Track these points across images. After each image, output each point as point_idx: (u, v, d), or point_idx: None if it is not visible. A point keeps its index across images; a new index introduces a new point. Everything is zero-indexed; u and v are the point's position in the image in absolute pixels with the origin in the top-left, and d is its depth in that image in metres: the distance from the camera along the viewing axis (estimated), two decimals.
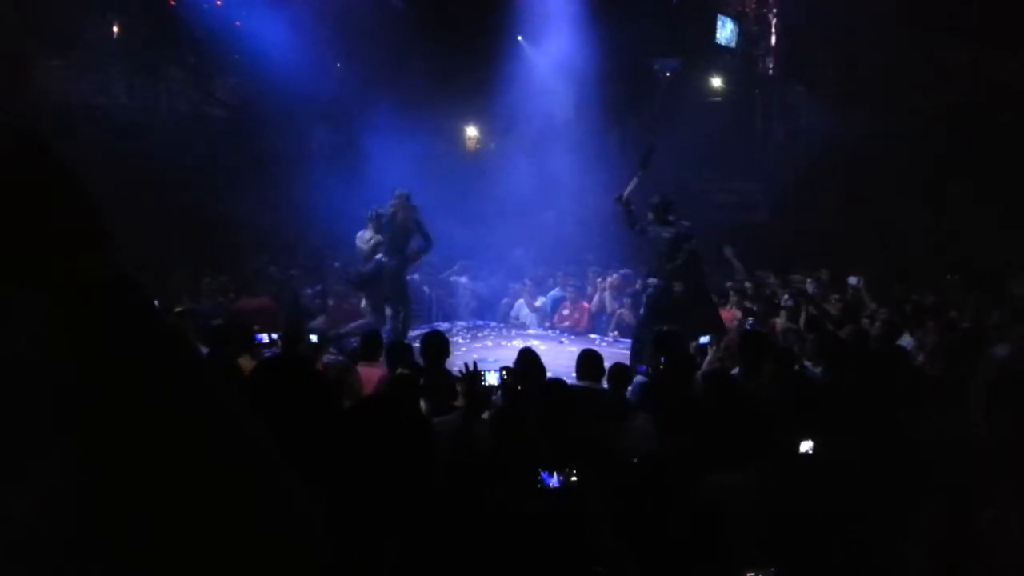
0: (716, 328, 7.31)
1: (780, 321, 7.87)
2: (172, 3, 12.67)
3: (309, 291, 10.05)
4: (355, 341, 7.51)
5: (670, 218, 8.12)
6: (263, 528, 0.71)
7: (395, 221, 8.78)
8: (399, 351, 5.32)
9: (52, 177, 0.68)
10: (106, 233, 0.70)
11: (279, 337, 6.33)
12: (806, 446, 3.56)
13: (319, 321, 9.01)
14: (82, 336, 0.67)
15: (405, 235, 8.80)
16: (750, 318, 8.01)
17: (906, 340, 6.81)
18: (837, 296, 8.85)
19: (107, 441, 0.67)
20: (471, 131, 15.46)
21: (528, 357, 5.07)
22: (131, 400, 0.67)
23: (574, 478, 2.67)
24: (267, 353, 5.88)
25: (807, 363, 5.84)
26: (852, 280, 9.02)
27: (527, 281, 10.94)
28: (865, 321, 7.64)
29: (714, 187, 14.27)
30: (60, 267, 0.67)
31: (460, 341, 8.78)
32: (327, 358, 6.17)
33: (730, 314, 8.60)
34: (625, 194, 8.23)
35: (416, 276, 10.52)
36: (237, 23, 12.43)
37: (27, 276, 0.66)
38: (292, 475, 0.75)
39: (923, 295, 8.71)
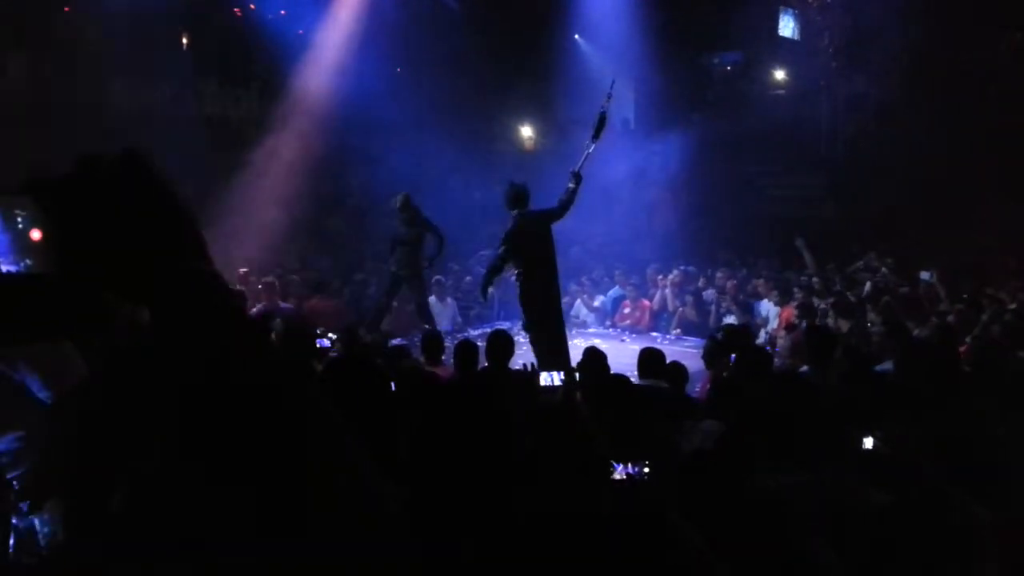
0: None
1: (843, 322, 7.65)
2: (238, 13, 13.05)
3: (374, 289, 10.23)
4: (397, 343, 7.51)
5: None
6: (349, 506, 0.75)
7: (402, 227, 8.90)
8: (467, 351, 5.38)
9: (154, 192, 0.74)
10: (203, 242, 0.75)
11: (337, 339, 6.47)
12: (869, 443, 3.49)
13: (385, 323, 9.16)
14: (186, 340, 0.72)
15: (417, 238, 8.95)
16: (803, 321, 7.70)
17: None
18: (907, 288, 8.62)
19: (205, 428, 0.72)
20: (527, 130, 15.51)
21: (593, 355, 5.09)
22: (229, 393, 0.72)
23: (647, 470, 2.69)
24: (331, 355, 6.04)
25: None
26: (924, 275, 8.76)
27: (584, 280, 10.92)
28: (934, 319, 7.42)
29: (776, 181, 14.02)
30: (164, 275, 0.72)
31: (522, 340, 8.81)
32: None
33: (788, 312, 8.45)
34: (579, 168, 7.56)
35: (469, 277, 10.63)
36: (300, 31, 12.74)
37: (136, 286, 0.71)
38: (370, 463, 0.79)
39: (998, 289, 8.41)
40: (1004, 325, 6.75)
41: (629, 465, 2.71)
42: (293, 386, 0.75)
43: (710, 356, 5.91)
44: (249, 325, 0.76)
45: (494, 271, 7.61)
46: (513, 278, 7.59)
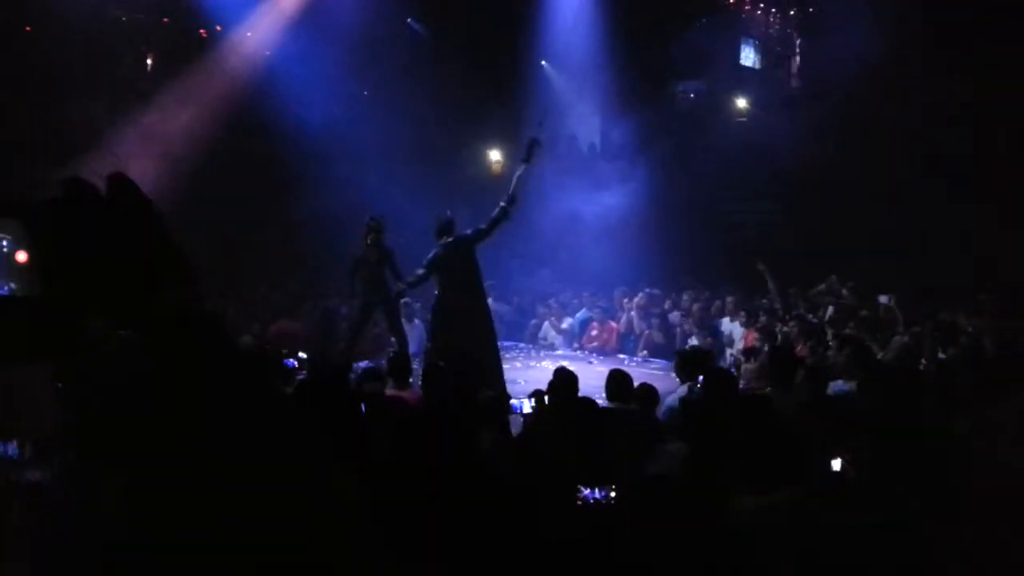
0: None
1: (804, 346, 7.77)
2: (203, 34, 13.00)
3: (345, 310, 10.16)
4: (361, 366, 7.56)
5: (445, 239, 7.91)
6: (316, 507, 0.76)
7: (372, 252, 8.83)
8: (436, 375, 5.36)
9: (141, 215, 0.74)
10: (192, 270, 0.76)
11: (306, 361, 6.44)
12: (837, 464, 3.55)
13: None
14: (176, 363, 0.72)
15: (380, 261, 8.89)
16: (765, 344, 7.84)
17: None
18: (865, 312, 8.79)
19: (191, 439, 0.73)
20: (495, 155, 15.60)
21: (563, 376, 5.10)
22: (215, 409, 0.73)
23: (613, 493, 2.70)
24: (298, 378, 5.99)
25: (839, 381, 5.79)
26: (883, 299, 8.95)
27: (552, 303, 10.98)
28: (896, 339, 7.58)
29: (738, 206, 14.26)
30: (156, 303, 0.72)
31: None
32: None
33: (751, 335, 8.57)
34: (512, 188, 7.94)
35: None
36: (267, 53, 12.72)
37: (121, 309, 0.72)
38: (342, 475, 0.81)
39: (953, 314, 8.61)
40: (960, 348, 6.91)
41: (595, 489, 2.72)
42: (278, 411, 0.76)
43: (681, 368, 5.97)
44: (235, 349, 0.77)
45: (410, 286, 8.36)
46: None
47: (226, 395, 0.73)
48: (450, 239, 7.90)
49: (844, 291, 9.67)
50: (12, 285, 8.89)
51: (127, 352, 0.74)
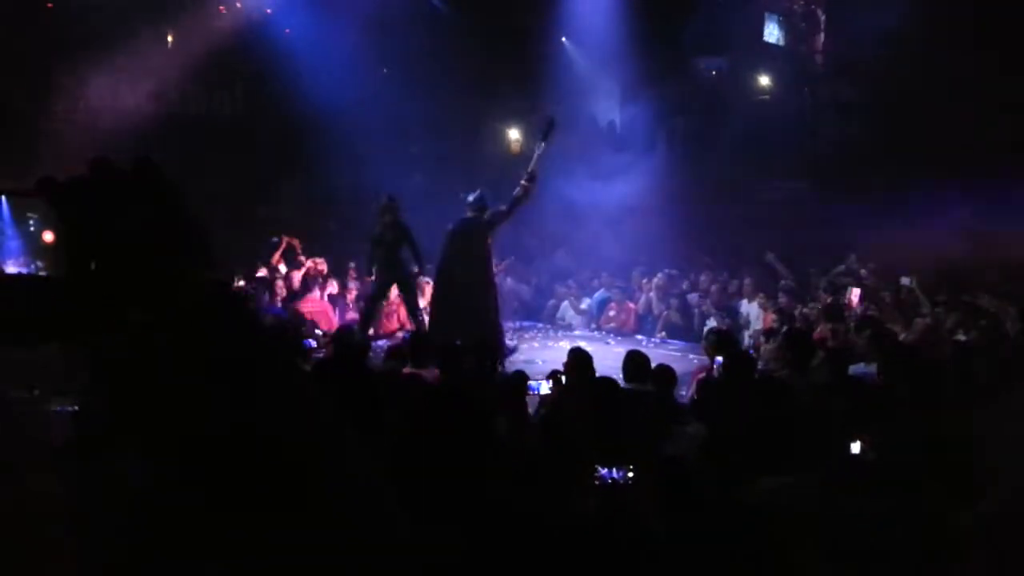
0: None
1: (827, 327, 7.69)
2: (222, 10, 12.99)
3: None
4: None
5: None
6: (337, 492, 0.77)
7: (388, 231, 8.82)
8: (452, 353, 5.38)
9: (166, 197, 0.75)
10: (212, 248, 0.76)
11: (325, 340, 6.49)
12: (856, 447, 3.53)
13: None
14: (199, 345, 0.73)
15: (396, 240, 8.91)
16: (784, 326, 7.78)
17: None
18: (888, 293, 8.70)
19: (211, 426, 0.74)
20: (514, 133, 15.53)
21: (579, 356, 5.10)
22: (237, 391, 0.73)
23: (631, 473, 2.71)
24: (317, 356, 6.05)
25: (860, 364, 5.75)
26: (905, 280, 8.84)
27: (571, 283, 10.95)
28: (919, 320, 7.50)
29: (761, 186, 14.11)
30: (181, 285, 0.73)
31: (507, 343, 8.84)
32: None
33: (769, 317, 8.51)
34: (531, 168, 8.09)
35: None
36: (287, 31, 12.70)
37: (147, 290, 0.72)
38: (360, 451, 0.82)
39: (975, 295, 8.50)
40: (980, 329, 6.83)
41: (613, 469, 2.73)
42: (302, 388, 0.78)
43: (713, 347, 5.96)
44: (261, 330, 0.78)
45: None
46: (500, 278, 7.95)
47: (248, 377, 0.74)
48: (471, 215, 8.06)
49: (863, 271, 9.57)
50: (39, 264, 9.02)
51: (150, 334, 0.74)
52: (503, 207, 8.07)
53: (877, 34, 11.72)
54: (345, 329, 7.11)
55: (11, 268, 9.48)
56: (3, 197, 10.41)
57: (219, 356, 0.73)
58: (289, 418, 0.75)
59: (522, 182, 8.04)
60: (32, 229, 10.11)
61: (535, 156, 8.14)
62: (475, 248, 8.02)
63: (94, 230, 0.72)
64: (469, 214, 8.09)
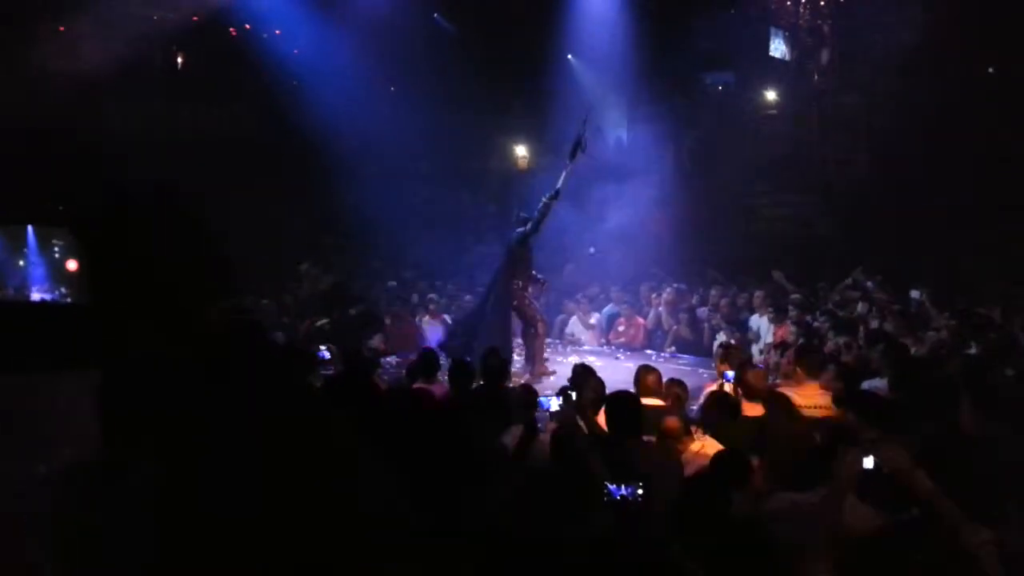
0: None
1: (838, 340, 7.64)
2: (233, 32, 13.12)
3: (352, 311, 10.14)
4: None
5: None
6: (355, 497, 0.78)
7: None
8: (462, 370, 5.38)
9: (189, 228, 0.76)
10: (234, 276, 0.77)
11: (338, 355, 6.50)
12: (869, 462, 3.49)
13: (375, 340, 9.14)
14: (217, 371, 0.74)
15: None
16: (799, 339, 7.75)
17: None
18: (899, 307, 8.64)
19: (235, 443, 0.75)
20: (521, 150, 15.58)
21: (583, 372, 5.10)
22: (254, 415, 0.74)
23: (641, 491, 2.69)
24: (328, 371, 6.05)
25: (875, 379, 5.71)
26: (915, 294, 8.80)
27: (580, 298, 10.94)
28: (931, 334, 7.45)
29: (769, 200, 14.09)
30: (201, 314, 0.74)
31: (517, 358, 8.82)
32: None
33: (784, 330, 8.46)
34: (558, 185, 8.24)
35: (469, 296, 10.64)
36: (295, 51, 12.81)
37: (173, 322, 0.73)
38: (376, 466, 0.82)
39: (989, 309, 8.44)
40: (989, 342, 6.77)
41: (624, 487, 2.71)
42: (312, 414, 0.78)
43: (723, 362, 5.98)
44: (276, 358, 0.78)
45: None
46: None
47: (264, 403, 0.75)
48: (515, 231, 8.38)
49: (869, 284, 9.51)
50: (63, 291, 9.08)
51: (168, 360, 0.75)
52: (528, 228, 8.29)
53: (883, 49, 11.75)
54: (353, 348, 7.12)
55: (36, 295, 9.61)
56: (29, 226, 10.58)
57: (233, 382, 0.74)
58: (302, 437, 0.76)
59: (545, 199, 8.16)
60: (57, 256, 10.25)
61: (563, 174, 8.27)
62: (501, 264, 8.45)
63: (116, 261, 0.73)
64: (517, 229, 8.37)
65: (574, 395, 4.09)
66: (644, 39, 12.97)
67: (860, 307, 8.71)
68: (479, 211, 14.37)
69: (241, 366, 0.70)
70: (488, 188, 15.03)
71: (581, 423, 4.14)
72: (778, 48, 14.75)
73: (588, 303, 10.81)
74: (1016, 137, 11.09)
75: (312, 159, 12.45)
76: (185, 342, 0.67)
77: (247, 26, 13.03)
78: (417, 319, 9.99)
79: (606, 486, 2.70)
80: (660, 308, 10.24)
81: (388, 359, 8.50)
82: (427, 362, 6.09)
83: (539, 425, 3.91)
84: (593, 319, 10.58)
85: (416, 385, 5.63)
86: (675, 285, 10.62)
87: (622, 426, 3.81)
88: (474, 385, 5.44)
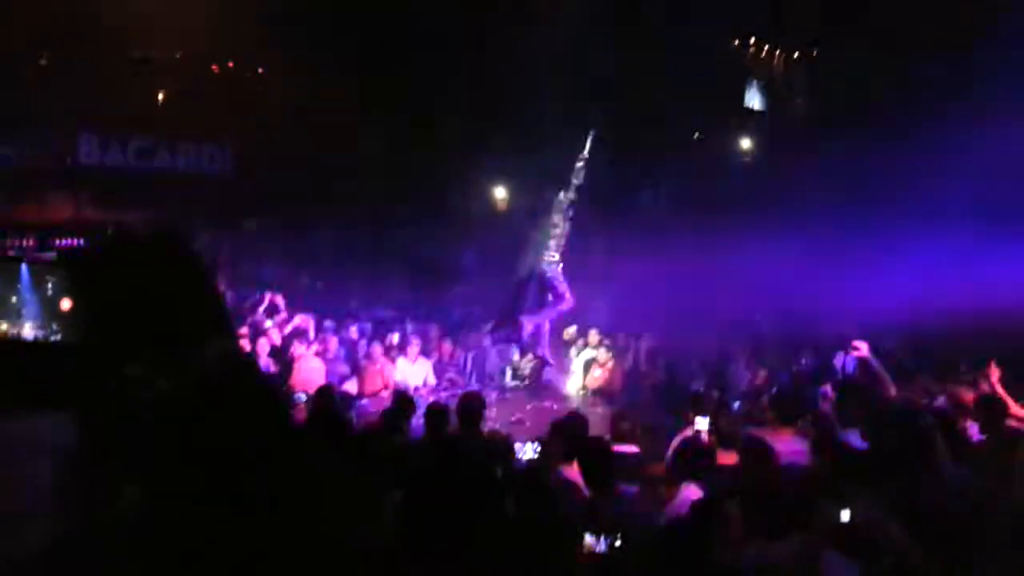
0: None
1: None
2: (215, 69, 13.18)
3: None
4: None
5: None
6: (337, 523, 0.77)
7: None
8: (437, 414, 5.32)
9: (184, 269, 0.75)
10: (228, 315, 0.77)
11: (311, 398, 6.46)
12: (846, 515, 3.48)
13: (350, 382, 9.07)
14: (210, 411, 0.73)
15: None
16: (773, 387, 7.82)
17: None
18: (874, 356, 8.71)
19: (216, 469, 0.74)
20: (500, 191, 15.67)
21: (573, 420, 5.06)
22: (244, 455, 0.74)
23: (619, 543, 2.66)
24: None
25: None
26: (882, 344, 8.89)
27: (558, 343, 10.91)
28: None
29: (744, 247, 14.23)
30: (194, 354, 0.73)
31: (491, 402, 8.76)
32: None
33: (760, 377, 8.51)
34: (576, 181, 8.58)
35: (447, 341, 10.61)
36: (276, 90, 12.88)
37: (166, 361, 0.72)
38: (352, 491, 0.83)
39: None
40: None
41: (602, 538, 2.68)
42: (299, 451, 0.79)
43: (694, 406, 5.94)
44: (269, 402, 0.79)
45: None
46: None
47: (256, 443, 0.75)
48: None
49: (849, 330, 9.58)
50: (56, 328, 8.98)
51: (161, 400, 0.75)
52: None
53: (855, 95, 12.03)
54: (325, 388, 7.04)
55: (28, 332, 9.49)
56: (23, 263, 10.53)
57: (226, 423, 0.74)
58: (292, 474, 0.76)
59: (569, 195, 8.31)
60: (50, 294, 10.21)
61: (576, 168, 8.69)
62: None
63: (109, 300, 0.73)
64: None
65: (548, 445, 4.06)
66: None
67: (837, 356, 8.78)
68: (457, 252, 14.40)
69: (236, 403, 0.70)
70: (468, 229, 15.08)
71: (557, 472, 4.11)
72: (753, 98, 15.09)
73: (565, 348, 10.80)
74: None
75: (290, 196, 12.46)
76: (179, 379, 0.67)
77: (230, 64, 13.11)
78: (395, 360, 9.91)
79: (583, 538, 2.67)
80: (638, 354, 10.25)
81: (363, 402, 8.41)
82: (401, 404, 6.04)
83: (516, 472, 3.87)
84: (572, 364, 10.56)
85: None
86: (652, 332, 10.66)
87: (597, 475, 3.77)
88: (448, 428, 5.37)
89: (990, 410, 5.74)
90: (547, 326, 9.43)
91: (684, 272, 12.75)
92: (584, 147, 8.84)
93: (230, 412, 0.77)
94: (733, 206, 13.23)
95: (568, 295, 9.34)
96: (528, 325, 9.09)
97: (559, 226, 8.76)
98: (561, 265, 9.17)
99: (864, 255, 12.14)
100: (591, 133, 8.91)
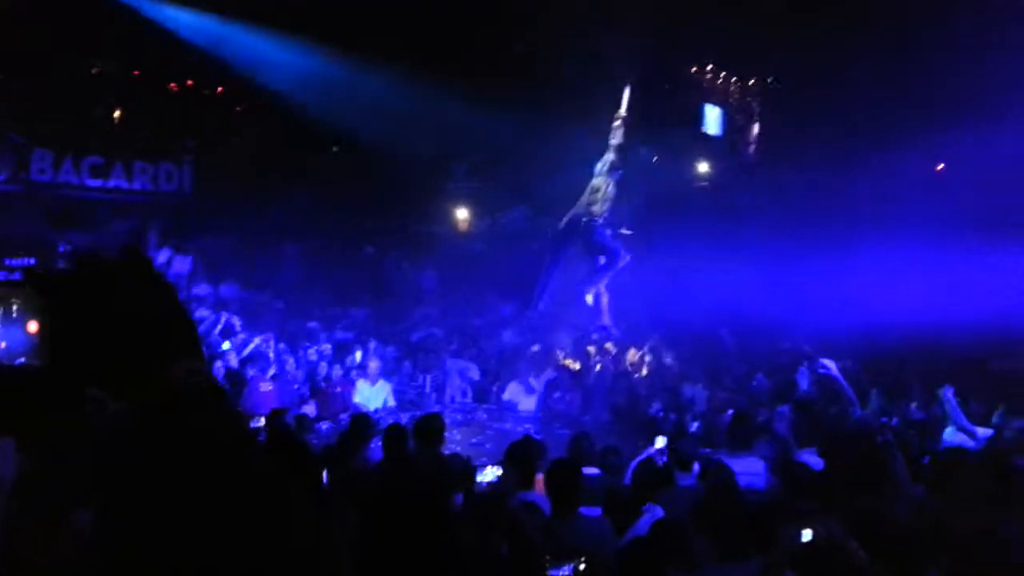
0: None
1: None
2: (174, 87, 13.02)
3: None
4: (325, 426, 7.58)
5: None
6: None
7: None
8: (396, 436, 5.25)
9: (151, 293, 0.74)
10: (195, 339, 0.76)
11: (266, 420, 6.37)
12: (808, 535, 3.51)
13: (309, 405, 8.94)
14: (175, 437, 0.72)
15: None
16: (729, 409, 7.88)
17: None
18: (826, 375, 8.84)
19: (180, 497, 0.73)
20: (462, 213, 15.68)
21: (528, 445, 5.03)
22: (208, 480, 0.72)
23: (583, 567, 2.63)
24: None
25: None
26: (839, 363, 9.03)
27: (519, 365, 10.89)
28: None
29: (701, 271, 14.41)
30: (159, 377, 0.73)
31: (453, 424, 8.69)
32: None
33: (717, 399, 8.57)
34: (616, 141, 8.83)
35: (407, 363, 10.54)
36: (238, 109, 12.77)
37: (124, 384, 0.71)
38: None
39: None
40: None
41: (563, 567, 2.65)
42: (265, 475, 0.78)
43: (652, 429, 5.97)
44: (235, 426, 0.78)
45: None
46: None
47: (220, 467, 0.74)
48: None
49: (806, 348, 9.72)
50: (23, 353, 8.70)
51: (123, 424, 0.73)
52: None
53: (809, 126, 12.30)
54: (278, 412, 6.93)
55: None
56: None
57: (191, 448, 0.73)
58: (250, 498, 0.75)
59: (609, 156, 8.55)
60: (15, 316, 9.87)
61: (613, 127, 8.69)
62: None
63: (78, 324, 0.72)
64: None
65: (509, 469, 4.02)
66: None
67: (798, 375, 8.88)
68: (419, 273, 14.34)
69: (201, 426, 0.69)
70: (429, 250, 15.04)
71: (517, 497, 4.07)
72: (710, 124, 15.34)
73: (527, 368, 10.77)
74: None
75: (254, 217, 12.32)
76: (145, 401, 0.66)
77: (188, 83, 12.96)
78: (355, 381, 9.79)
79: (544, 566, 2.64)
80: (600, 373, 10.28)
81: (321, 425, 8.28)
82: (359, 427, 5.95)
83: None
84: (532, 384, 10.52)
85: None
86: (614, 352, 10.69)
87: (562, 498, 3.74)
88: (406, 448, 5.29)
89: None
90: (606, 298, 9.27)
91: (639, 294, 12.88)
92: (620, 105, 8.70)
93: (196, 436, 0.76)
94: (692, 227, 13.39)
95: (623, 251, 9.26)
96: (588, 297, 9.08)
97: (601, 189, 8.60)
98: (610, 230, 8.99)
99: (819, 272, 12.39)
100: (626, 88, 8.77)
